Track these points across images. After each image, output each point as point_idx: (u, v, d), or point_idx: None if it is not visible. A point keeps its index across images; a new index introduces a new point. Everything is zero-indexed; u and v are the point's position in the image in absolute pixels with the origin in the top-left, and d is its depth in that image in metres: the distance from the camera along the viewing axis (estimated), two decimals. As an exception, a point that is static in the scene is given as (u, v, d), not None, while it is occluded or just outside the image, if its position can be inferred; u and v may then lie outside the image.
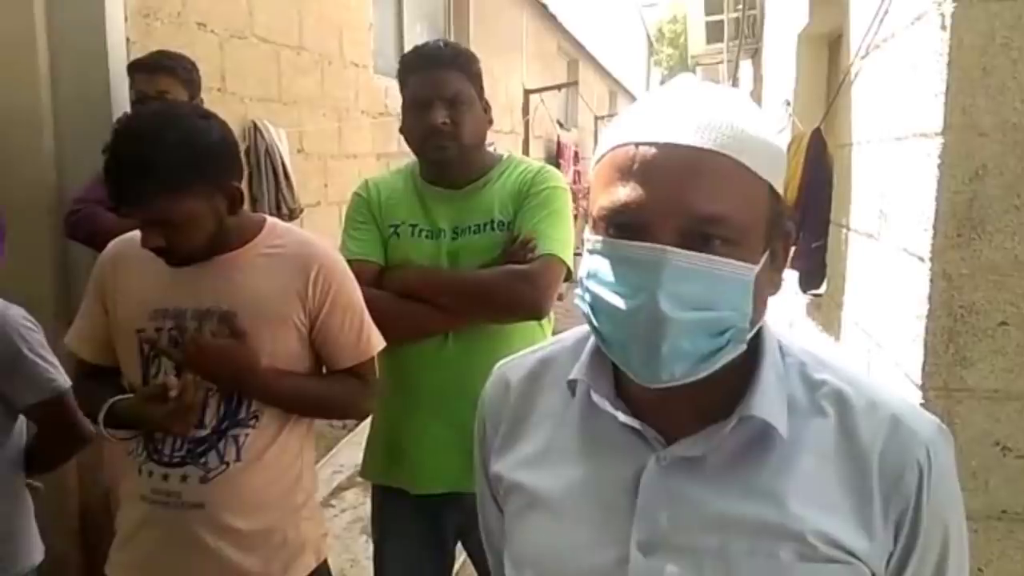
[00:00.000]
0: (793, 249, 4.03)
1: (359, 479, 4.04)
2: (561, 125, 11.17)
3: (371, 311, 1.70)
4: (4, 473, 1.77)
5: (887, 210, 2.04)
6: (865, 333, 2.27)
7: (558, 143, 10.29)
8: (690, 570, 0.76)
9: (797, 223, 4.01)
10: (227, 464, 1.50)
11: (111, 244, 1.62)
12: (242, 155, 3.55)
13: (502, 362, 0.99)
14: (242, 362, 1.47)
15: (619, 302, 0.73)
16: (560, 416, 0.89)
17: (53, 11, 2.55)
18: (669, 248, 0.71)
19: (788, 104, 4.29)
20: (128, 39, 2.75)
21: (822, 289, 3.29)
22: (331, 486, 3.71)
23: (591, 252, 0.77)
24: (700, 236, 0.72)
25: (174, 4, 3.07)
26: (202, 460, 1.50)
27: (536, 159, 2.16)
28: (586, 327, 0.93)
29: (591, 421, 0.86)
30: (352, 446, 4.19)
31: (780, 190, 0.78)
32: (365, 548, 3.36)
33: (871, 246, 2.23)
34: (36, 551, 1.85)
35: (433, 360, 1.79)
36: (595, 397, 0.85)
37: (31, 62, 2.52)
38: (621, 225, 0.74)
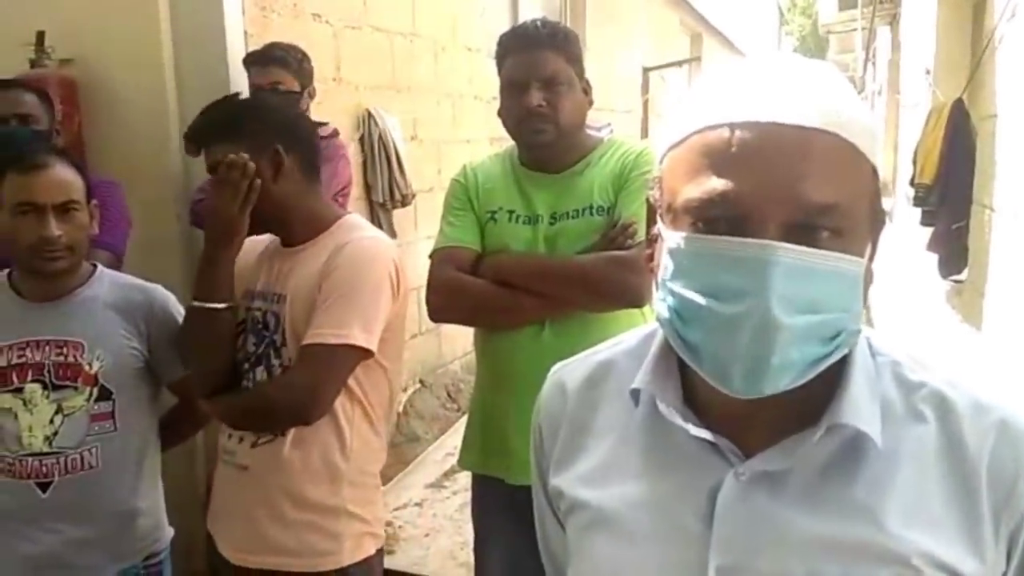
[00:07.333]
0: (931, 230, 3.76)
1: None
2: (684, 103, 10.84)
3: (467, 298, 1.71)
4: (152, 448, 1.81)
5: (1036, 188, 1.84)
6: (1010, 324, 2.06)
7: (680, 122, 10.01)
8: None
9: (935, 202, 3.71)
10: (275, 435, 1.57)
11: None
12: (356, 143, 3.65)
13: (558, 365, 0.93)
14: (226, 220, 1.54)
15: (718, 308, 0.65)
16: (623, 428, 0.82)
17: (175, 6, 2.66)
18: (781, 244, 0.63)
19: (928, 73, 3.98)
20: (246, 32, 2.84)
21: (963, 275, 3.02)
22: (443, 468, 3.76)
23: (673, 251, 0.69)
24: (807, 228, 0.64)
25: (290, -4, 3.15)
26: None
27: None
28: (649, 328, 0.85)
29: (657, 433, 0.78)
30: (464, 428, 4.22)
31: (879, 171, 0.70)
32: (476, 531, 3.38)
33: (1018, 228, 2.02)
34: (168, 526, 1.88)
35: (529, 348, 1.74)
36: (662, 408, 0.77)
37: (156, 57, 2.63)
38: (713, 219, 0.66)
